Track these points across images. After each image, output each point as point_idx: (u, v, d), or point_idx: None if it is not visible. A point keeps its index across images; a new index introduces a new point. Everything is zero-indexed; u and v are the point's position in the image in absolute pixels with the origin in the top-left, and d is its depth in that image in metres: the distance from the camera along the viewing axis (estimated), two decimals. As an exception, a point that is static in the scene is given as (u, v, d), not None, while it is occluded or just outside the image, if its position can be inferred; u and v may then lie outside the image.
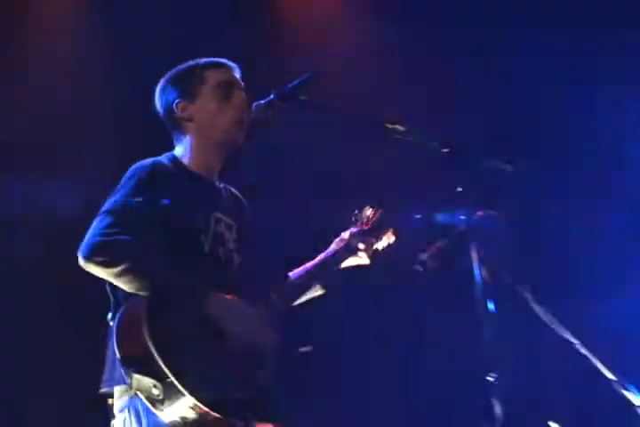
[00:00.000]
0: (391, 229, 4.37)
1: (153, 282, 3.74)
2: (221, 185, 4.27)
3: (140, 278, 3.74)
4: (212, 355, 3.74)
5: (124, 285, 3.76)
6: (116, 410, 3.87)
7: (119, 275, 3.72)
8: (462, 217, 3.76)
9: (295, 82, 4.01)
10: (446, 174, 3.77)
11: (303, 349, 4.17)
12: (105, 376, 3.86)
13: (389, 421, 6.50)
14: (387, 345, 6.39)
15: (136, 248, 3.76)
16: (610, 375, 3.85)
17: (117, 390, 3.83)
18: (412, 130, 3.90)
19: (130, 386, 3.67)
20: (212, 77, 4.21)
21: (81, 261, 3.73)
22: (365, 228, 4.37)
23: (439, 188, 4.03)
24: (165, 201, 3.92)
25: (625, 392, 3.82)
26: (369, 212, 4.39)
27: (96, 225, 3.78)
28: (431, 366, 6.14)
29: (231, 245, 4.12)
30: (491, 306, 3.67)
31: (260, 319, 3.98)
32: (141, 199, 3.89)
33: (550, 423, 4.15)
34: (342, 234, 4.39)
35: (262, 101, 4.03)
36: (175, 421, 3.65)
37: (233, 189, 4.35)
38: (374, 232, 4.39)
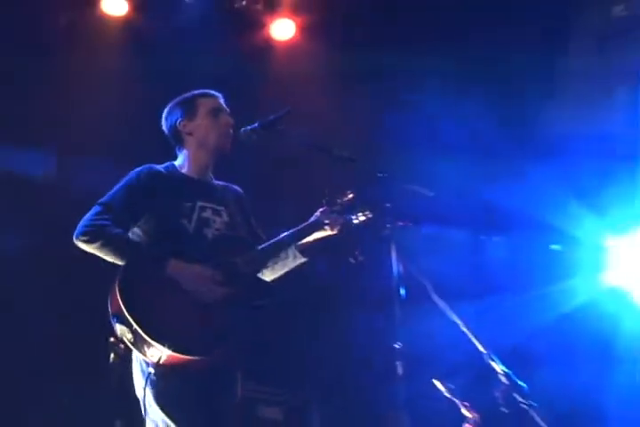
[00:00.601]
0: (367, 208, 4.20)
1: (123, 254, 3.86)
2: (213, 182, 4.29)
3: (113, 252, 3.87)
4: (171, 307, 3.77)
5: (104, 256, 3.90)
6: None
7: (98, 249, 3.88)
8: (388, 225, 3.66)
9: (275, 115, 4.06)
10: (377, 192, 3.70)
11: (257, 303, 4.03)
12: None
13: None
14: (321, 316, 6.22)
15: (110, 230, 3.88)
16: (481, 349, 3.84)
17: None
18: (357, 158, 3.81)
19: (117, 333, 3.77)
20: (206, 104, 4.24)
21: (74, 240, 3.89)
22: (336, 207, 4.20)
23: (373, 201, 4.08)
24: (145, 198, 3.98)
25: (491, 362, 3.82)
26: (350, 195, 4.23)
27: (89, 213, 3.96)
28: (355, 334, 5.98)
29: (219, 226, 4.10)
30: (402, 292, 3.66)
31: (213, 278, 3.88)
32: (125, 195, 3.98)
33: (434, 381, 4.06)
34: (316, 212, 4.24)
35: (248, 127, 4.08)
36: (152, 360, 3.71)
37: (230, 185, 4.36)
38: (350, 210, 4.21)
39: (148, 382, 3.72)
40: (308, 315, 6.27)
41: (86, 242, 3.85)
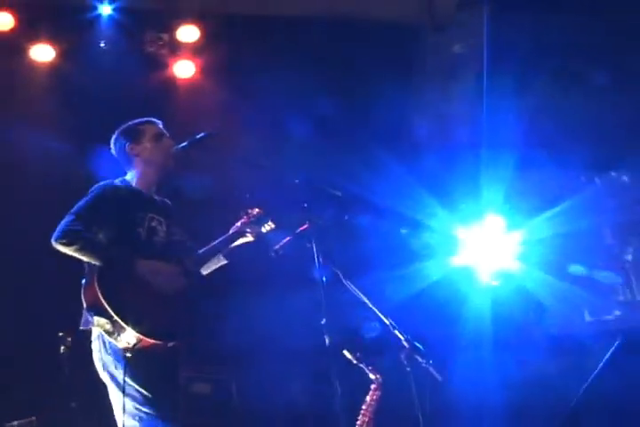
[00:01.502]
0: (271, 220, 4.15)
1: (98, 255, 3.65)
2: (156, 197, 4.08)
3: (90, 253, 3.65)
4: (142, 299, 3.63)
5: (82, 257, 3.67)
6: (93, 338, 3.75)
7: (76, 251, 3.65)
8: (307, 221, 3.55)
9: (200, 135, 3.92)
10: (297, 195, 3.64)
11: None
12: (83, 320, 3.73)
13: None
14: (259, 302, 5.94)
15: (85, 235, 3.68)
16: (386, 321, 3.81)
17: (92, 327, 3.70)
18: (273, 166, 3.85)
19: (93, 324, 3.63)
20: (150, 129, 4.05)
21: (52, 243, 3.67)
22: (252, 219, 4.15)
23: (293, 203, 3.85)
24: (110, 209, 3.78)
25: (395, 332, 3.79)
26: (257, 210, 4.16)
27: (64, 220, 3.71)
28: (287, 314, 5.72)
29: (162, 234, 3.95)
30: (324, 278, 3.57)
31: (173, 273, 3.81)
32: (93, 207, 3.77)
33: (344, 351, 3.95)
34: (236, 223, 4.17)
35: (179, 146, 3.98)
36: (125, 346, 3.58)
37: (166, 200, 4.16)
38: (259, 222, 4.16)
39: (124, 364, 3.54)
40: (233, 308, 6.06)
41: (65, 245, 3.63)
